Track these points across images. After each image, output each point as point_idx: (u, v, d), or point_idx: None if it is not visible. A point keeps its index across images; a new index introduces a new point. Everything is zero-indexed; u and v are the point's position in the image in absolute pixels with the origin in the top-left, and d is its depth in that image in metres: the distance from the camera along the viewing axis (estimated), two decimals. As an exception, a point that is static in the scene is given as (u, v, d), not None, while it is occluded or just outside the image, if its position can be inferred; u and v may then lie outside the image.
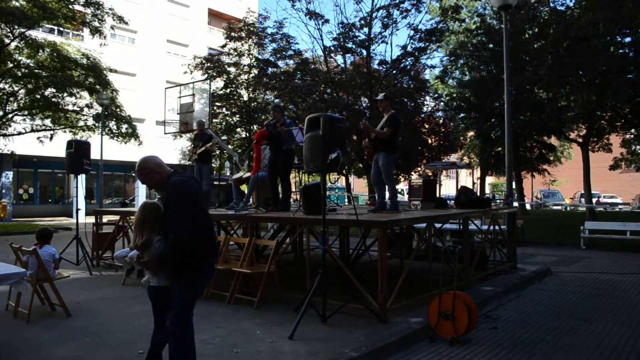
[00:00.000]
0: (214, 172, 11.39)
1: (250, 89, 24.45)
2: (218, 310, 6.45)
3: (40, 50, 17.97)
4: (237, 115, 24.55)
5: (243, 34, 24.22)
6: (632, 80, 16.39)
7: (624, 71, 16.48)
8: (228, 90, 24.06)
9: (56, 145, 19.82)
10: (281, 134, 8.10)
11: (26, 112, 19.54)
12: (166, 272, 3.72)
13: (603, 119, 19.56)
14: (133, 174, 3.95)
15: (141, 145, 21.04)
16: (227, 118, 24.85)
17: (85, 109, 20.05)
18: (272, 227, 12.82)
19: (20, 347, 4.96)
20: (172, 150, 28.02)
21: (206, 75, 22.79)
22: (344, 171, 20.46)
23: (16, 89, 18.61)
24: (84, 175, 10.40)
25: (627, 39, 17.64)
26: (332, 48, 21.55)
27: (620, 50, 17.66)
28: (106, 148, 17.21)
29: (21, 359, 4.63)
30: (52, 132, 20.45)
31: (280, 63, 23.45)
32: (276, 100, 21.69)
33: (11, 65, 18.08)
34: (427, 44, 21.15)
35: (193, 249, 3.53)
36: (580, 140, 20.54)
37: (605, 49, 16.41)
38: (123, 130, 20.58)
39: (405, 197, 15.76)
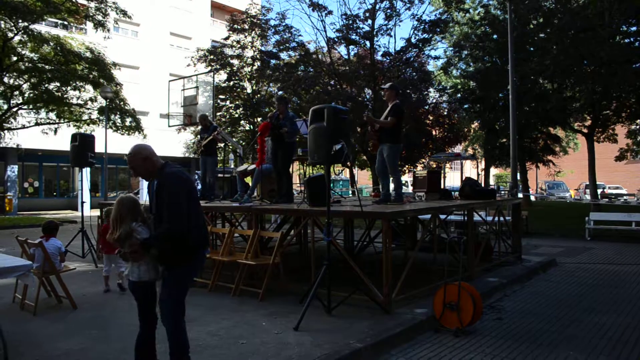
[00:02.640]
0: (219, 164, 11.38)
1: (254, 82, 24.41)
2: (223, 302, 6.48)
3: (44, 44, 17.98)
4: (241, 108, 24.53)
5: (246, 26, 24.15)
6: (638, 70, 16.27)
7: (629, 61, 16.37)
8: (231, 83, 24.03)
9: (61, 139, 19.88)
10: (283, 127, 8.07)
11: (30, 106, 19.59)
12: (148, 263, 3.70)
13: (608, 109, 19.46)
14: (125, 158, 3.91)
15: (145, 139, 21.06)
16: (231, 111, 24.83)
17: (89, 103, 20.07)
18: (274, 220, 12.84)
19: (26, 339, 4.99)
20: (176, 143, 28.04)
21: (209, 68, 22.75)
22: (348, 163, 20.44)
23: (20, 82, 18.65)
24: (88, 169, 10.43)
25: (633, 29, 17.51)
26: (336, 40, 21.49)
27: (626, 40, 17.53)
28: (110, 141, 17.23)
29: (28, 351, 4.66)
30: (56, 125, 20.51)
31: (283, 55, 23.42)
32: (280, 93, 21.65)
33: (15, 59, 18.11)
34: (430, 35, 21.06)
35: (187, 238, 3.59)
36: (585, 130, 20.44)
37: (610, 39, 16.30)
38: (127, 123, 20.60)
39: (410, 189, 15.75)
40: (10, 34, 17.36)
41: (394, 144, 7.55)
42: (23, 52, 18.30)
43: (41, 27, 18.84)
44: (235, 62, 24.19)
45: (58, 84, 18.43)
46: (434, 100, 24.90)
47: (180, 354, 3.72)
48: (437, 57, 25.15)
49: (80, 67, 18.87)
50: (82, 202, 10.98)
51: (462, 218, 10.18)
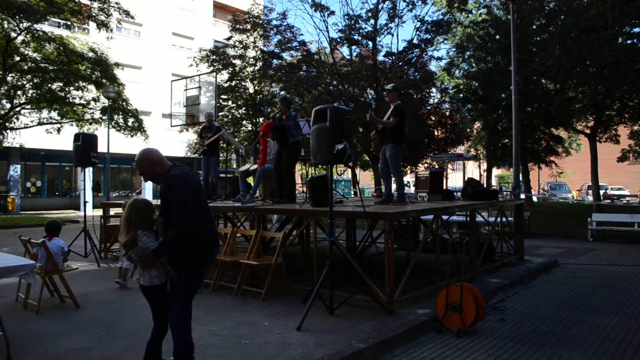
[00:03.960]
0: (221, 164, 11.38)
1: (256, 82, 24.41)
2: (226, 302, 6.48)
3: (47, 44, 18.02)
4: (243, 108, 24.53)
5: (248, 26, 24.16)
6: (640, 71, 16.26)
7: (632, 62, 16.33)
8: (233, 83, 24.04)
9: (63, 139, 19.90)
10: (287, 126, 8.07)
11: (33, 106, 19.62)
12: (159, 267, 3.69)
13: (611, 109, 19.42)
14: (133, 165, 3.92)
15: (148, 139, 21.08)
16: (233, 111, 24.83)
17: (92, 103, 20.10)
18: (276, 221, 12.84)
19: (29, 339, 5.01)
20: (179, 143, 28.05)
21: (212, 68, 22.76)
22: (350, 163, 20.46)
23: (23, 82, 18.68)
24: (91, 168, 10.44)
25: (636, 29, 17.48)
26: (338, 40, 21.50)
27: (629, 41, 17.50)
28: (113, 141, 17.24)
29: (31, 350, 4.67)
30: (59, 125, 20.55)
31: (285, 55, 23.42)
32: (282, 93, 21.66)
33: (18, 59, 18.15)
34: (433, 35, 21.05)
35: (197, 239, 3.57)
36: (587, 131, 20.40)
37: (613, 40, 16.27)
38: (129, 123, 20.62)
39: (412, 189, 15.74)
40: (13, 34, 17.39)
41: (397, 145, 7.54)
42: (26, 52, 18.33)
43: (44, 27, 18.89)
44: (238, 62, 24.19)
45: (61, 84, 18.48)
46: (437, 101, 24.90)
47: (185, 355, 3.72)
48: (439, 58, 25.01)
49: (83, 67, 18.91)
50: (85, 202, 11.00)
51: (464, 219, 10.18)
